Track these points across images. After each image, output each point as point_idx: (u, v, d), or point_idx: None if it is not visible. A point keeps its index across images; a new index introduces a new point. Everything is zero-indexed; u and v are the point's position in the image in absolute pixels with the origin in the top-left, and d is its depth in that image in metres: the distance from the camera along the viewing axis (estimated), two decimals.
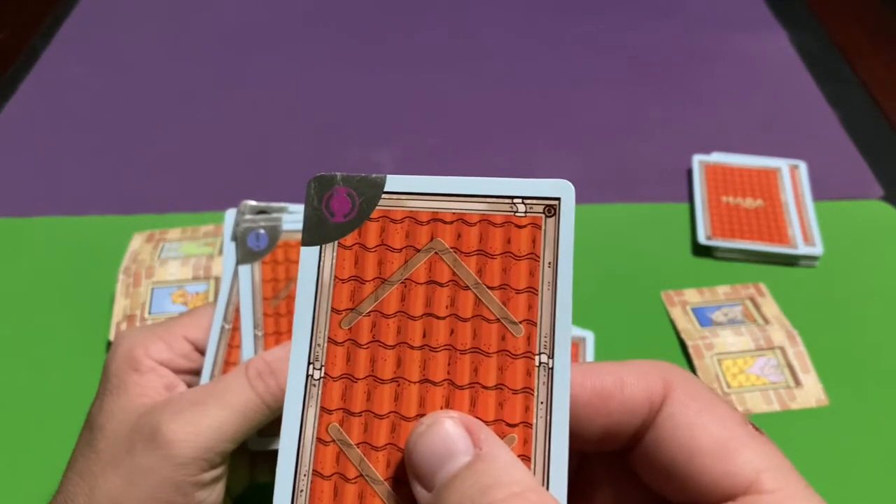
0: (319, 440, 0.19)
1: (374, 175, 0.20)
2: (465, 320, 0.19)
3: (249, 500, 0.37)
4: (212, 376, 0.32)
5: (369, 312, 0.20)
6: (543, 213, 0.20)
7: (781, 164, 0.59)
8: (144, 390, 0.31)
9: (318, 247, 0.20)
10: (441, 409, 0.19)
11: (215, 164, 0.63)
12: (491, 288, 0.19)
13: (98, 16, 0.80)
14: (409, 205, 0.20)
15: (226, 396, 0.30)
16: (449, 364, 0.19)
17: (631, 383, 0.20)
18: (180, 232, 0.53)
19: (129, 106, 0.69)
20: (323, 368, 0.20)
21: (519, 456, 0.18)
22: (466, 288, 0.20)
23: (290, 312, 0.32)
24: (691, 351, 0.47)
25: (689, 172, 0.60)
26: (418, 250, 0.20)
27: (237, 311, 0.33)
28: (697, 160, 0.60)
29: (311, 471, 0.19)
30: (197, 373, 0.33)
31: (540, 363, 0.19)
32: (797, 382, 0.46)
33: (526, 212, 0.20)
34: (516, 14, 0.81)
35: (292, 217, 0.33)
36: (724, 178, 0.58)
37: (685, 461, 0.19)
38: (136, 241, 0.52)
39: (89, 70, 0.73)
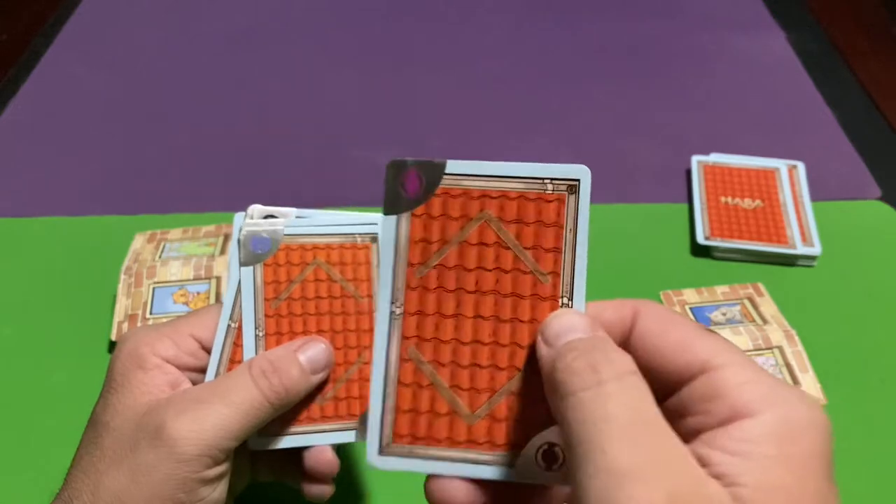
0: (402, 359, 0.26)
1: (437, 160, 0.26)
2: (506, 272, 0.26)
3: (250, 499, 0.37)
4: (217, 374, 0.33)
5: (435, 266, 0.26)
6: (567, 191, 0.26)
7: (780, 165, 0.59)
8: (149, 388, 0.31)
9: (395, 216, 0.26)
10: (488, 336, 0.26)
11: (216, 164, 0.63)
12: (526, 248, 0.26)
13: (99, 17, 0.81)
14: (463, 184, 0.26)
15: (230, 395, 0.31)
16: (495, 304, 0.26)
17: (609, 310, 0.26)
18: (181, 232, 0.53)
19: (130, 107, 0.69)
20: (403, 307, 0.26)
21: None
22: (507, 248, 0.26)
23: (290, 314, 0.33)
24: None
25: (688, 173, 0.60)
26: (472, 219, 0.26)
27: None
28: (696, 161, 0.60)
29: (396, 380, 0.26)
30: (202, 370, 0.33)
31: (563, 304, 0.26)
32: (795, 382, 0.46)
33: (553, 190, 0.26)
34: (516, 16, 0.81)
35: (296, 221, 0.34)
36: (722, 178, 0.59)
37: (655, 361, 0.24)
38: (138, 241, 0.52)
39: (91, 71, 0.73)
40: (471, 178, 0.26)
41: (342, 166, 0.62)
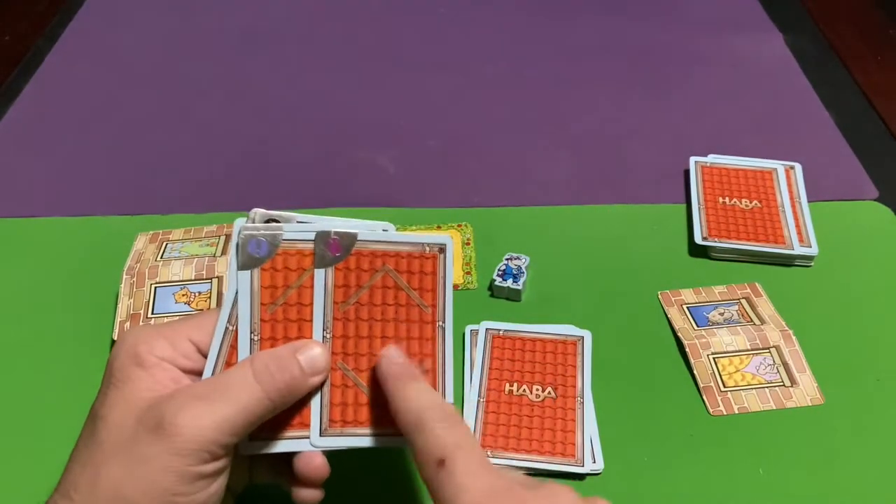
0: (332, 368, 0.34)
1: (351, 231, 0.34)
2: (402, 305, 0.35)
3: (251, 500, 0.37)
4: (214, 375, 0.33)
5: (353, 303, 0.34)
6: (438, 251, 0.35)
7: (777, 166, 0.60)
8: (151, 384, 0.31)
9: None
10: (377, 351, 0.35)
11: (218, 165, 0.63)
12: (413, 289, 0.35)
13: (101, 19, 0.81)
14: (369, 247, 0.34)
15: (231, 391, 0.31)
16: (395, 328, 0.35)
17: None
18: (183, 232, 0.54)
19: (132, 108, 0.69)
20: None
21: (430, 369, 0.35)
22: (401, 289, 0.35)
23: (286, 319, 0.34)
24: (688, 350, 0.48)
25: (687, 174, 0.61)
26: (377, 270, 0.34)
27: None
28: (694, 162, 0.60)
29: (329, 384, 0.34)
30: (198, 373, 0.33)
31: (440, 326, 0.35)
32: (792, 381, 0.46)
33: (430, 251, 0.35)
34: (514, 17, 0.81)
35: (295, 227, 0.34)
36: (720, 179, 0.59)
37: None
38: (140, 242, 0.53)
39: (93, 72, 0.73)
40: (374, 242, 0.34)
41: (343, 167, 0.63)
